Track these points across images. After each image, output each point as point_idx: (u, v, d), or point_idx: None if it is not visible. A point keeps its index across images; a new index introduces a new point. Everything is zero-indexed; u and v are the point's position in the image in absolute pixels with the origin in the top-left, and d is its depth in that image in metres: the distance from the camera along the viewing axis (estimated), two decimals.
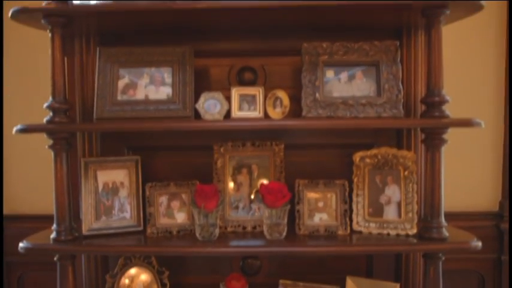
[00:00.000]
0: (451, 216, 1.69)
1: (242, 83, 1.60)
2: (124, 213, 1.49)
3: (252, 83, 1.60)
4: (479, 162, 1.90)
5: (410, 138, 1.56)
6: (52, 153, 1.37)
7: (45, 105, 1.35)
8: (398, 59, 1.45)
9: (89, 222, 1.45)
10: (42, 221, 1.80)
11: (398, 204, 1.46)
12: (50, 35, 1.34)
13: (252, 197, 1.53)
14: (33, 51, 1.88)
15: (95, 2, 1.44)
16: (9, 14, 1.34)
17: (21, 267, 1.91)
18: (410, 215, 1.44)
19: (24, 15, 1.34)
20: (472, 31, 1.82)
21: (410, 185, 1.45)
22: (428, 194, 1.37)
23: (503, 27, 1.85)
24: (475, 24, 1.71)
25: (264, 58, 1.60)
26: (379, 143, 1.55)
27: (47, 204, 1.81)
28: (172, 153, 1.62)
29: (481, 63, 1.87)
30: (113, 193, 1.49)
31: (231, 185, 1.53)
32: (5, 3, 1.82)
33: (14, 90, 1.91)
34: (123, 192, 1.50)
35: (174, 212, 1.48)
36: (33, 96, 1.89)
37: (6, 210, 1.93)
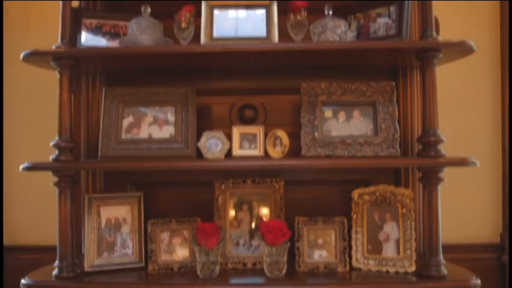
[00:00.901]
0: (452, 249, 1.70)
1: (243, 120, 1.65)
2: (126, 249, 1.51)
3: (252, 120, 1.65)
4: (480, 193, 1.92)
5: (408, 176, 1.59)
6: (57, 191, 1.40)
7: (51, 143, 1.39)
8: (395, 99, 1.50)
9: (91, 259, 1.47)
10: (43, 252, 1.83)
11: (397, 242, 1.47)
12: (58, 76, 1.40)
13: (253, 225, 1.54)
14: (38, 87, 1.94)
15: (101, 45, 1.51)
16: (21, 57, 1.39)
17: None
18: (408, 252, 1.45)
19: (34, 57, 1.40)
20: (468, 68, 1.88)
21: (408, 222, 1.47)
22: (426, 231, 1.39)
23: (498, 65, 1.92)
24: (472, 62, 1.76)
25: (264, 96, 1.66)
26: (378, 180, 1.58)
27: (48, 234, 1.83)
28: (174, 189, 1.65)
29: (478, 98, 1.92)
30: (115, 229, 1.51)
31: (232, 221, 1.55)
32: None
33: (18, 124, 1.96)
34: (126, 228, 1.52)
35: (175, 249, 1.50)
36: (36, 127, 1.94)
37: (7, 241, 1.95)
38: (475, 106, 1.92)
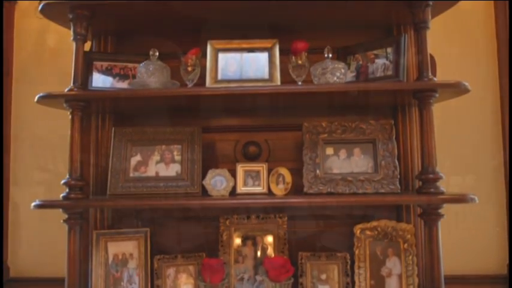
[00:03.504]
0: (458, 280, 1.69)
1: (247, 156, 1.69)
2: (132, 285, 1.53)
3: (256, 156, 1.69)
4: (486, 224, 1.92)
5: (409, 210, 1.61)
6: (66, 227, 1.44)
7: (62, 182, 1.44)
8: (394, 137, 1.54)
9: None
10: (48, 284, 1.85)
11: (399, 277, 1.49)
12: (70, 116, 1.46)
13: (258, 254, 1.57)
14: (48, 124, 2.01)
15: (111, 87, 1.58)
16: (35, 99, 1.46)
17: None
18: (411, 287, 1.47)
19: (48, 100, 1.46)
20: (469, 100, 1.91)
21: (410, 257, 1.49)
22: (428, 267, 1.40)
23: (497, 95, 1.96)
24: (472, 94, 1.80)
25: (267, 133, 1.70)
26: (379, 214, 1.60)
27: (52, 266, 1.86)
28: (180, 223, 1.68)
29: (480, 130, 1.95)
30: (122, 265, 1.54)
31: (236, 256, 1.58)
32: None
33: (26, 158, 2.02)
34: (132, 264, 1.55)
35: (180, 284, 1.52)
36: (43, 161, 2.00)
37: (12, 273, 1.97)
38: (477, 137, 1.95)
